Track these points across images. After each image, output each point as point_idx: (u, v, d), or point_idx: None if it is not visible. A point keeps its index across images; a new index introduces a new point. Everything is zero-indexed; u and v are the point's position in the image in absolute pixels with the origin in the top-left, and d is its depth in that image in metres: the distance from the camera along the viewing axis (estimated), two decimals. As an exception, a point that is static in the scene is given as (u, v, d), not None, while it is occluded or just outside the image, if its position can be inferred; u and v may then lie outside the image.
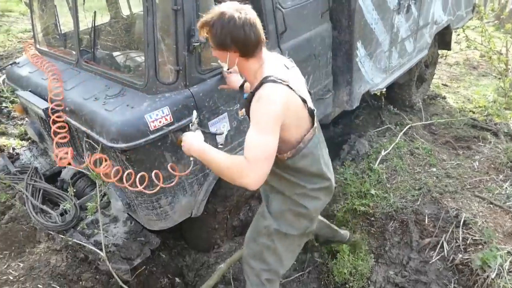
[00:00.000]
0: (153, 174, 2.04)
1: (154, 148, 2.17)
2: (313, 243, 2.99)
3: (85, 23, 2.94)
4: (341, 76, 3.41)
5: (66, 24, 3.19)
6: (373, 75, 3.71)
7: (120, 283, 2.28)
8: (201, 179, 2.48)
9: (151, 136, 2.08)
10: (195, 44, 2.15)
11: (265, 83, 1.63)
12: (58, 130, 2.39)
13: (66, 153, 2.26)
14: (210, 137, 2.38)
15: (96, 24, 2.75)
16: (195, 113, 2.08)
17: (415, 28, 4.14)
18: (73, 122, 2.39)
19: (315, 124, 1.84)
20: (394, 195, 3.16)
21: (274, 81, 1.62)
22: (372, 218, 3.04)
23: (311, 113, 1.80)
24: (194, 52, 2.18)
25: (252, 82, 1.76)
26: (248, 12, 1.65)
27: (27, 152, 3.63)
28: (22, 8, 10.30)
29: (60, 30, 3.24)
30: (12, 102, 5.22)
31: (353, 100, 3.54)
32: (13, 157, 3.53)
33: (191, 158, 1.96)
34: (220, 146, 2.48)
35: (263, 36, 1.68)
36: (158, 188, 2.09)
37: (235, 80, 2.23)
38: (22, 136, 4.25)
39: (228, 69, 1.81)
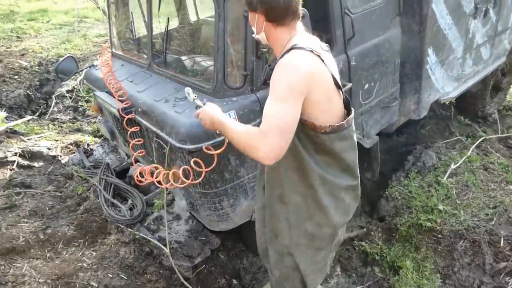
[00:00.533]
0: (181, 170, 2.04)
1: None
2: (373, 257, 2.88)
3: (157, 29, 3.09)
4: (409, 83, 3.27)
5: (139, 29, 3.38)
6: (444, 83, 3.50)
7: (182, 279, 2.35)
8: (263, 184, 2.50)
9: (218, 139, 2.13)
10: (263, 49, 2.18)
11: (292, 49, 1.46)
12: (130, 129, 2.51)
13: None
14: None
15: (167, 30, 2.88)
16: (189, 89, 1.95)
17: (492, 33, 3.86)
18: (144, 122, 2.52)
19: (353, 111, 1.67)
20: (465, 212, 2.95)
21: (303, 48, 1.45)
22: (439, 235, 2.86)
23: (346, 102, 1.64)
24: (262, 57, 2.21)
25: (279, 54, 1.56)
26: None
27: (99, 149, 3.90)
28: (98, 14, 11.14)
29: (134, 35, 3.44)
30: (87, 101, 5.65)
31: (421, 109, 3.37)
32: (88, 153, 3.81)
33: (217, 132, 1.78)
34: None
35: (297, 6, 1.52)
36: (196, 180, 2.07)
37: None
38: (95, 133, 4.57)
39: (255, 35, 1.64)
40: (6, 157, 3.45)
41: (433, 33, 3.09)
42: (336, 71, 1.66)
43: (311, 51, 1.44)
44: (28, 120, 4.85)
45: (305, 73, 1.41)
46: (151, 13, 2.86)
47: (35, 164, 3.53)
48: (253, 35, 1.66)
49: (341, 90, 1.60)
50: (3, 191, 2.98)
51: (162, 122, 2.32)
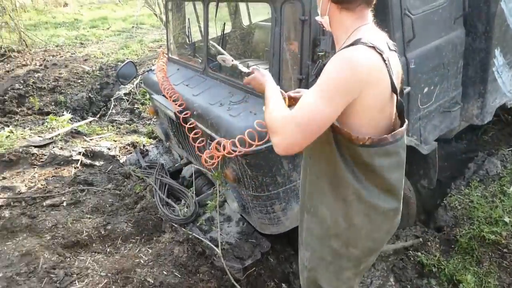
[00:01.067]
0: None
1: (273, 154, 2.22)
2: (430, 268, 2.74)
3: (212, 33, 3.16)
4: (472, 87, 3.08)
5: (195, 34, 3.48)
6: (512, 86, 3.27)
7: (233, 280, 2.38)
8: (315, 188, 2.47)
9: (271, 143, 2.14)
10: (320, 53, 2.15)
11: (355, 44, 1.28)
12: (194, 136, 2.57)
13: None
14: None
15: (219, 35, 2.95)
16: (223, 56, 1.84)
17: None
18: (200, 125, 2.58)
19: (405, 124, 1.43)
20: (534, 226, 2.73)
21: (367, 45, 1.27)
22: (505, 250, 2.66)
23: (400, 108, 1.41)
24: (318, 61, 2.18)
25: (341, 46, 1.39)
26: None
27: (154, 150, 4.06)
28: (153, 20, 11.67)
29: (190, 40, 3.55)
30: (142, 104, 5.93)
31: (485, 114, 3.17)
32: (144, 153, 3.99)
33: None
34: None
35: None
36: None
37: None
38: (150, 135, 4.78)
39: (319, 17, 1.48)
40: (71, 156, 3.71)
41: (501, 33, 2.90)
42: (399, 74, 1.48)
43: (373, 47, 1.27)
44: (90, 122, 5.17)
45: (361, 73, 1.23)
46: (207, 19, 2.93)
47: (96, 163, 3.75)
48: (316, 18, 1.51)
49: (397, 96, 1.38)
50: (69, 188, 3.21)
51: (217, 125, 2.36)
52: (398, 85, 1.42)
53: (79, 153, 3.81)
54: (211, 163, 2.20)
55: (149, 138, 4.68)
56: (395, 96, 1.37)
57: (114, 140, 4.44)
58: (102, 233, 2.69)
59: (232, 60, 1.81)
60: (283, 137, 1.25)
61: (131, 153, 4.08)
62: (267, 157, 2.21)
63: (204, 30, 3.00)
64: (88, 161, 3.74)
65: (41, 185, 3.27)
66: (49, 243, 2.60)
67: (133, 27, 10.82)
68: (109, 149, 4.06)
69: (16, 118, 5.37)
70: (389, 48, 1.40)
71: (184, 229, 2.69)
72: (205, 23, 2.96)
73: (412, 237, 2.99)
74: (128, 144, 4.29)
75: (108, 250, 2.58)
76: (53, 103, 5.92)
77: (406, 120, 1.44)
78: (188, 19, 3.47)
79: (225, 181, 2.63)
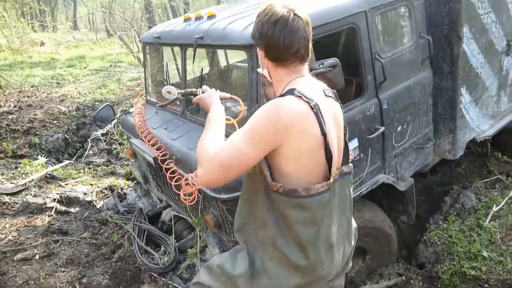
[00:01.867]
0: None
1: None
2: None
3: (190, 75, 3.20)
4: (442, 124, 3.21)
5: (173, 77, 3.52)
6: (480, 121, 3.42)
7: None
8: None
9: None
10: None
11: (286, 95, 1.32)
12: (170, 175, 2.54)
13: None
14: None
15: (197, 76, 2.98)
16: (169, 87, 1.95)
17: (527, 69, 3.77)
18: (180, 170, 2.56)
19: (331, 179, 1.39)
20: (512, 259, 2.77)
21: (295, 95, 1.30)
22: (486, 285, 2.68)
23: (328, 158, 1.37)
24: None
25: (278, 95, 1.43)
26: (297, 14, 1.34)
27: (132, 192, 3.97)
28: (131, 59, 11.76)
29: (168, 83, 3.58)
30: (120, 144, 5.85)
31: (457, 149, 3.28)
32: (121, 197, 3.89)
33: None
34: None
35: (300, 48, 1.36)
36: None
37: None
38: (128, 176, 4.69)
39: (260, 69, 1.55)
40: (45, 203, 3.58)
41: (465, 72, 3.06)
42: (338, 119, 1.48)
43: (301, 96, 1.30)
44: (66, 165, 5.05)
45: (283, 122, 1.26)
46: (185, 63, 2.98)
47: (72, 210, 3.63)
48: (258, 70, 1.59)
49: (326, 140, 1.35)
50: (42, 239, 3.07)
51: (196, 171, 2.35)
52: (335, 130, 1.43)
53: (54, 199, 3.68)
54: (190, 199, 2.16)
55: (127, 180, 4.59)
56: (325, 140, 1.35)
57: (90, 184, 4.33)
58: (77, 287, 2.57)
59: (177, 90, 1.88)
60: (205, 172, 1.29)
61: (108, 197, 3.98)
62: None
63: (182, 73, 3.04)
64: (63, 208, 3.61)
65: (12, 236, 3.12)
66: (20, 301, 2.46)
67: (111, 65, 10.85)
68: (85, 194, 3.95)
69: (-13, 163, 5.19)
70: (325, 95, 1.44)
71: (164, 279, 2.60)
72: (183, 66, 3.01)
73: (395, 275, 2.98)
74: (106, 188, 4.19)
75: (83, 305, 2.45)
76: (27, 146, 5.78)
77: (332, 174, 1.40)
78: (166, 63, 3.52)
79: (206, 227, 2.58)
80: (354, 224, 1.70)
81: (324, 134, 1.33)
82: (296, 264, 1.41)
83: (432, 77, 3.04)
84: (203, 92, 1.80)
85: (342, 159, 1.53)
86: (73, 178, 4.47)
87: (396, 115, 2.78)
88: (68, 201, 3.74)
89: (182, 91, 1.92)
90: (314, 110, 1.30)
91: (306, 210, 1.36)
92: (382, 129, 2.65)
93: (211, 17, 2.70)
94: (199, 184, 1.29)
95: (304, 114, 1.29)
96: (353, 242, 1.66)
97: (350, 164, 1.57)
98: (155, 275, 2.63)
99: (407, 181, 3.01)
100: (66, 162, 5.24)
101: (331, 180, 1.39)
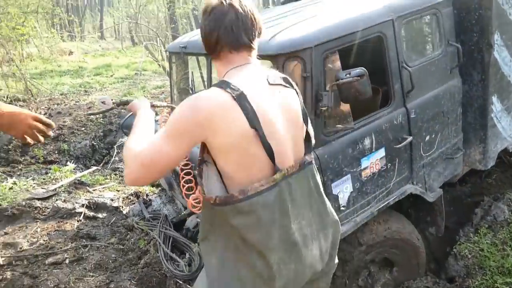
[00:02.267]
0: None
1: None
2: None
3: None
4: (473, 133, 3.13)
5: (198, 86, 3.58)
6: (512, 131, 3.31)
7: None
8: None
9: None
10: (322, 108, 2.20)
11: (211, 87, 1.30)
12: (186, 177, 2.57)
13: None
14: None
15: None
16: (103, 97, 1.96)
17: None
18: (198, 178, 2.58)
19: (277, 175, 1.30)
20: (549, 275, 2.65)
21: (217, 85, 1.28)
22: (521, 302, 2.58)
23: (268, 151, 1.28)
24: (321, 115, 2.23)
25: None
26: (230, 2, 1.30)
27: (157, 199, 4.03)
28: (155, 67, 12.02)
29: (193, 91, 3.64)
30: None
31: (488, 160, 3.19)
32: (147, 203, 3.96)
33: None
34: (342, 208, 2.42)
35: (227, 35, 1.30)
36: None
37: None
38: (153, 183, 4.76)
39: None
40: (74, 208, 3.68)
41: (496, 80, 2.98)
42: (289, 107, 1.40)
43: (224, 89, 1.25)
44: (93, 171, 5.18)
45: (200, 116, 1.21)
46: (210, 71, 3.03)
47: (99, 215, 3.72)
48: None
49: (258, 133, 1.25)
50: (72, 243, 3.16)
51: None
52: (282, 120, 1.35)
53: (82, 205, 3.78)
54: (198, 207, 2.16)
55: (152, 186, 4.66)
56: (257, 133, 1.26)
57: (117, 190, 4.42)
58: (105, 292, 2.62)
59: (112, 100, 1.90)
60: (129, 171, 1.25)
61: (134, 203, 4.05)
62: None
63: (207, 81, 3.09)
64: (91, 213, 3.70)
65: (44, 240, 3.22)
66: (51, 305, 2.53)
67: (136, 73, 11.11)
68: (112, 200, 4.04)
69: (20, 168, 5.38)
70: (269, 83, 1.36)
71: (189, 286, 2.62)
72: (208, 75, 3.06)
73: (423, 288, 2.90)
74: (131, 194, 4.27)
75: (111, 311, 2.50)
76: (56, 152, 5.96)
77: (277, 171, 1.30)
78: (192, 72, 3.58)
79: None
80: (334, 217, 1.56)
81: (253, 127, 1.24)
82: (260, 273, 1.33)
83: (461, 85, 2.98)
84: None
85: (305, 149, 1.46)
86: (100, 184, 4.58)
87: (424, 124, 2.72)
88: (96, 206, 3.83)
89: (117, 101, 1.96)
90: (237, 101, 1.23)
91: (248, 214, 1.27)
92: (409, 138, 2.60)
93: (236, 27, 2.73)
94: (126, 181, 1.27)
95: (227, 105, 1.23)
96: (330, 236, 1.53)
97: (311, 153, 1.49)
98: (180, 282, 2.65)
99: (435, 192, 2.94)
100: (94, 168, 5.37)
101: (276, 176, 1.29)
